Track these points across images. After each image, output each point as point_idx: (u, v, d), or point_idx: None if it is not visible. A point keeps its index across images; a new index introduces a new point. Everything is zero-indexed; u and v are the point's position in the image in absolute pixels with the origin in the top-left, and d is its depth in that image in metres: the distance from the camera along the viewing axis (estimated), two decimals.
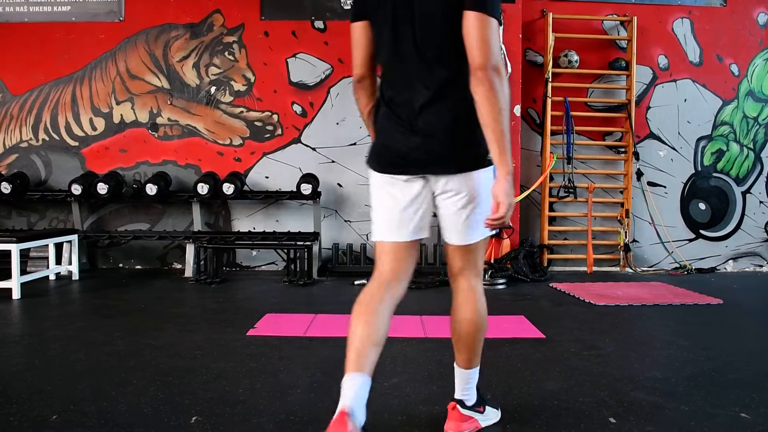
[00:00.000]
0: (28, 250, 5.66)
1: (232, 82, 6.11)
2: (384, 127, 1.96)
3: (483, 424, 2.15)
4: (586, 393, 2.53)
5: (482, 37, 1.75)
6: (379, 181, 1.99)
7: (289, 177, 6.06)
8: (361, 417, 1.72)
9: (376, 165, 1.99)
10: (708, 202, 6.35)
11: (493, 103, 1.76)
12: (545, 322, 3.79)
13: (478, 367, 2.10)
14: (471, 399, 2.12)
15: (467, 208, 1.91)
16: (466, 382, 2.10)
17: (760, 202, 6.38)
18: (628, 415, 2.28)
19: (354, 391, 1.76)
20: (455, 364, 2.10)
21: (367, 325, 1.85)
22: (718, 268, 6.32)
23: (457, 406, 2.10)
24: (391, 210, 1.97)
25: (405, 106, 1.89)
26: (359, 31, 1.95)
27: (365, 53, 1.97)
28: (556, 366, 2.92)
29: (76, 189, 5.64)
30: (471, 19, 1.76)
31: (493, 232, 2.01)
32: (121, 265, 6.25)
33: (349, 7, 6.03)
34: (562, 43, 6.06)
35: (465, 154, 1.88)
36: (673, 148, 6.29)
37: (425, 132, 1.86)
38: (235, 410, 2.31)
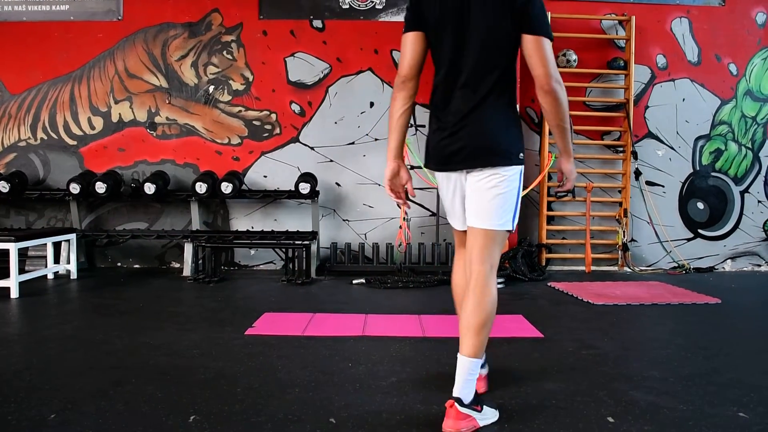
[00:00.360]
0: (27, 249, 5.66)
1: (231, 81, 6.11)
2: (433, 131, 2.29)
3: (481, 424, 2.14)
4: (584, 392, 2.53)
5: (543, 56, 2.08)
6: (437, 176, 2.36)
7: (287, 176, 6.06)
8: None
9: (429, 164, 2.34)
10: (706, 202, 6.35)
11: (558, 110, 2.14)
12: (543, 321, 3.79)
13: (480, 362, 2.17)
14: (469, 396, 2.13)
15: (492, 191, 2.16)
16: (467, 374, 2.13)
17: (759, 201, 6.39)
18: (626, 414, 2.28)
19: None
20: (459, 354, 2.14)
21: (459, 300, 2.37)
22: (716, 267, 6.33)
23: (455, 404, 2.10)
24: (444, 202, 2.40)
25: (453, 111, 2.19)
26: (412, 39, 2.23)
27: (415, 60, 2.23)
28: (554, 365, 2.92)
29: (75, 188, 5.64)
30: (532, 42, 2.08)
31: (512, 228, 2.23)
32: (119, 264, 6.24)
33: (347, 7, 6.05)
34: (560, 43, 6.06)
35: (498, 152, 2.16)
36: (672, 148, 6.30)
37: (466, 133, 2.16)
38: (234, 409, 2.31)
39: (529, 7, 2.06)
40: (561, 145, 2.28)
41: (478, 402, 2.16)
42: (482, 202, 2.17)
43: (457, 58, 2.17)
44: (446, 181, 2.31)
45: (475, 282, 2.16)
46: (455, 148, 2.18)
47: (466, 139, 2.16)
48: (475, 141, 2.15)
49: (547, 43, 2.08)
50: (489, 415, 2.19)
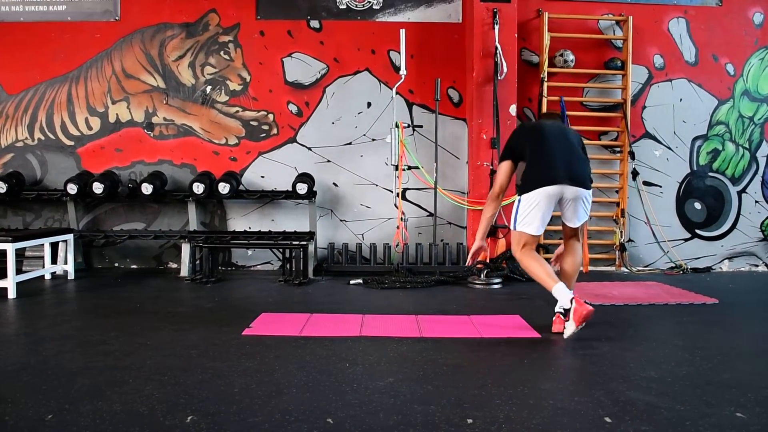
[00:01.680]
0: (24, 249, 5.65)
1: (228, 82, 6.11)
2: (543, 173, 3.45)
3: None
4: (582, 392, 2.53)
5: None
6: (540, 193, 3.42)
7: (284, 176, 6.06)
8: None
9: (542, 185, 3.41)
10: (703, 202, 6.36)
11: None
12: (541, 321, 3.79)
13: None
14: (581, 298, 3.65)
15: (579, 206, 3.53)
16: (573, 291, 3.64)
17: (756, 201, 6.40)
18: (624, 414, 2.29)
19: (565, 289, 3.35)
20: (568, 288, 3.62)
21: (542, 265, 3.47)
22: (713, 267, 6.34)
23: (576, 298, 3.52)
24: (540, 212, 3.46)
25: (559, 164, 3.46)
26: (509, 166, 3.63)
27: (508, 181, 3.64)
28: (551, 365, 2.92)
29: (72, 188, 5.63)
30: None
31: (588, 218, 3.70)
32: (116, 264, 6.24)
33: (344, 7, 6.06)
34: (557, 43, 6.07)
35: (587, 184, 3.51)
36: (669, 148, 6.31)
37: (575, 177, 3.45)
38: (231, 410, 2.31)
39: (582, 143, 3.67)
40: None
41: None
42: (574, 213, 3.54)
43: (561, 152, 3.49)
44: (550, 197, 3.42)
45: (570, 250, 3.68)
46: (570, 177, 3.43)
47: (574, 176, 3.43)
48: (580, 177, 3.46)
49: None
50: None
